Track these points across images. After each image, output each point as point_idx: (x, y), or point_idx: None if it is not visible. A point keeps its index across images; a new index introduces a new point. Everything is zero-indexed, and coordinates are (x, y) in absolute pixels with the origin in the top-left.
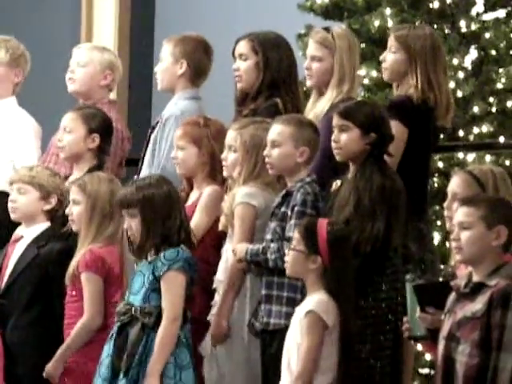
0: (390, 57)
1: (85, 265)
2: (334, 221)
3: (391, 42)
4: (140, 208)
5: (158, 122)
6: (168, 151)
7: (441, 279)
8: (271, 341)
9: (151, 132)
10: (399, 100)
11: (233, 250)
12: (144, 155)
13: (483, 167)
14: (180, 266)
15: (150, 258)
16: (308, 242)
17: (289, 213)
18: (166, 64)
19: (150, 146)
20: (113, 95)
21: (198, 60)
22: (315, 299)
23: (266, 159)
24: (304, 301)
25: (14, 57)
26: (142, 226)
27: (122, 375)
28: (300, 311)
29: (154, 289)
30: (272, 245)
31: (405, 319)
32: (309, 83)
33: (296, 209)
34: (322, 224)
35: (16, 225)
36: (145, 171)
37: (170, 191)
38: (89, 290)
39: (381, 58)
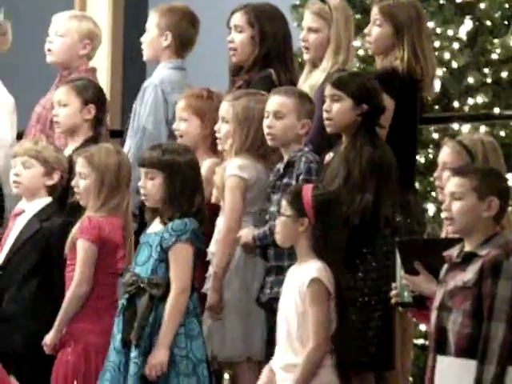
0: (376, 30)
1: (80, 231)
2: (319, 185)
3: (375, 14)
4: (161, 169)
5: None
6: (148, 115)
7: (424, 237)
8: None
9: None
10: (385, 71)
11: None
12: (128, 127)
13: (473, 137)
14: (188, 238)
15: (156, 230)
16: (294, 206)
17: (293, 182)
18: (152, 35)
19: (131, 116)
20: (106, 67)
21: (184, 32)
22: (316, 267)
23: (268, 130)
24: (298, 268)
25: None
26: (164, 191)
27: (133, 347)
28: (297, 279)
29: (162, 260)
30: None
31: (393, 285)
32: (306, 56)
33: (301, 177)
34: (307, 188)
35: None
36: (127, 141)
37: (193, 160)
38: (80, 256)
39: (365, 30)
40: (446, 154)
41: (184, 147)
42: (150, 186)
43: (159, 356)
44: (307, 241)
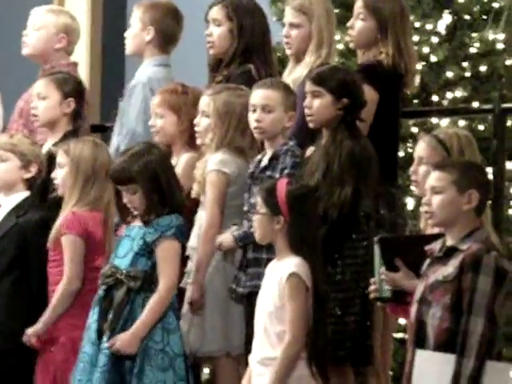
0: (359, 24)
1: (66, 226)
2: (293, 180)
3: (359, 8)
4: (139, 181)
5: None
6: (137, 117)
7: (406, 234)
8: None
9: (121, 100)
10: (369, 64)
11: (219, 245)
12: (115, 124)
13: (448, 131)
14: (172, 233)
15: (140, 223)
16: (269, 203)
17: (277, 176)
18: (135, 30)
19: (119, 114)
20: (85, 60)
21: (167, 27)
22: (294, 262)
23: (256, 124)
24: (277, 264)
25: None
26: (144, 198)
27: (105, 338)
28: (276, 274)
29: (143, 254)
30: None
31: (372, 280)
32: (288, 52)
33: (286, 171)
34: (281, 184)
35: None
36: (114, 139)
37: (162, 155)
38: (68, 252)
39: (348, 24)
40: (421, 148)
41: (147, 146)
42: (135, 199)
43: (129, 341)
44: (284, 237)
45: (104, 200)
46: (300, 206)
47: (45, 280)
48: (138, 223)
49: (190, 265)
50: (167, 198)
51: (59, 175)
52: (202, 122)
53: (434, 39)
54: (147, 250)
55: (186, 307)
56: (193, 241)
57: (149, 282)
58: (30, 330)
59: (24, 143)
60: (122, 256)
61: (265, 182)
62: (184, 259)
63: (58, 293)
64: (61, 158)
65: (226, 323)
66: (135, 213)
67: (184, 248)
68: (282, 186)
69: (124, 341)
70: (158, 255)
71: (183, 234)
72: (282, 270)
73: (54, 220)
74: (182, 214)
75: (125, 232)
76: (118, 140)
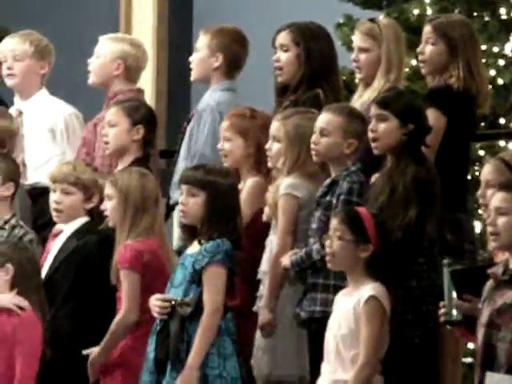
0: (429, 49)
1: (120, 261)
2: (368, 207)
3: (428, 33)
4: (207, 191)
5: (193, 115)
6: (205, 140)
7: (478, 264)
8: (319, 329)
9: (187, 125)
10: (439, 88)
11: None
12: (180, 148)
13: None
14: (220, 259)
15: (193, 251)
16: (355, 230)
17: (334, 201)
18: (202, 55)
19: (186, 138)
20: (151, 86)
21: (234, 53)
22: (373, 286)
23: (313, 146)
24: (353, 289)
25: (38, 49)
26: (206, 211)
27: (169, 367)
28: (353, 299)
29: (194, 281)
30: (314, 247)
31: (441, 303)
32: (358, 76)
33: (342, 197)
34: (364, 211)
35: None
36: (181, 164)
37: (235, 185)
38: (125, 287)
39: (418, 49)
40: (487, 171)
41: (226, 170)
42: (191, 203)
43: (188, 376)
44: (363, 264)
45: (156, 228)
46: (385, 234)
47: (107, 301)
48: (190, 251)
49: (261, 289)
50: (223, 221)
51: (108, 206)
52: (273, 147)
53: (501, 62)
54: (198, 277)
55: (258, 332)
56: (264, 265)
57: (200, 308)
58: (91, 359)
59: (86, 174)
60: (177, 286)
61: (326, 207)
62: (255, 283)
63: (113, 324)
64: (109, 190)
65: (297, 347)
66: (184, 220)
67: (233, 273)
68: (368, 215)
69: (184, 377)
70: (204, 280)
71: (232, 259)
72: (361, 294)
73: (113, 239)
74: (235, 243)
75: (179, 261)
76: (186, 164)
